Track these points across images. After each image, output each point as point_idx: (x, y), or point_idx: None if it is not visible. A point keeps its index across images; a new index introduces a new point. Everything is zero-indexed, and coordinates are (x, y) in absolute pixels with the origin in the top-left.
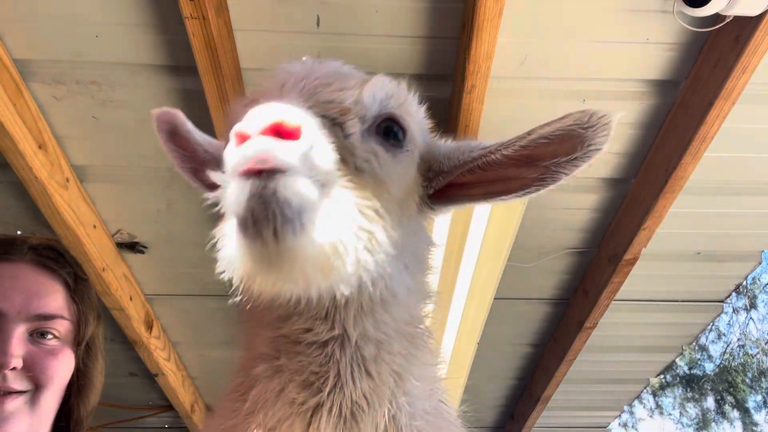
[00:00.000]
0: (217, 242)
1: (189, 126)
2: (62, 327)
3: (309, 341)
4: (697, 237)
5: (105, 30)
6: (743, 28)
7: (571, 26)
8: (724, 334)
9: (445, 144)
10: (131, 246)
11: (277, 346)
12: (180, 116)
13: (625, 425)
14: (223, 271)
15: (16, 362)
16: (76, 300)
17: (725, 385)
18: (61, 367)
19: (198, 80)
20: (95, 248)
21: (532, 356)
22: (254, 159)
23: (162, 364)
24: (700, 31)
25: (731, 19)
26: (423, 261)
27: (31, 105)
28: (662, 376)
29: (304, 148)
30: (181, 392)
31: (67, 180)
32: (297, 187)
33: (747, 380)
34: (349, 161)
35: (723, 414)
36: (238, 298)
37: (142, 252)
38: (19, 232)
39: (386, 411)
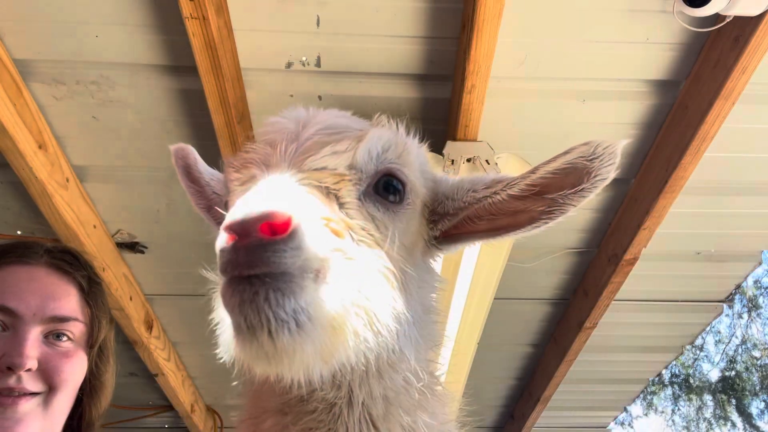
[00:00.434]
0: (215, 324)
1: (200, 166)
2: (76, 329)
3: (316, 401)
4: (697, 237)
5: (105, 30)
6: (743, 28)
7: (571, 26)
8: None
9: (448, 182)
10: (131, 246)
11: (285, 403)
12: (192, 154)
13: (622, 424)
14: (224, 354)
15: (31, 363)
16: (89, 303)
17: (728, 389)
18: (75, 369)
19: (198, 80)
20: (95, 248)
21: (532, 356)
22: (243, 264)
23: (162, 364)
24: (700, 31)
25: (731, 19)
26: (430, 307)
27: (31, 105)
28: (664, 377)
29: (295, 243)
30: (181, 392)
31: (67, 180)
32: (289, 289)
33: (749, 385)
34: (346, 233)
35: (725, 417)
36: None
37: (142, 252)
38: (19, 232)
39: None
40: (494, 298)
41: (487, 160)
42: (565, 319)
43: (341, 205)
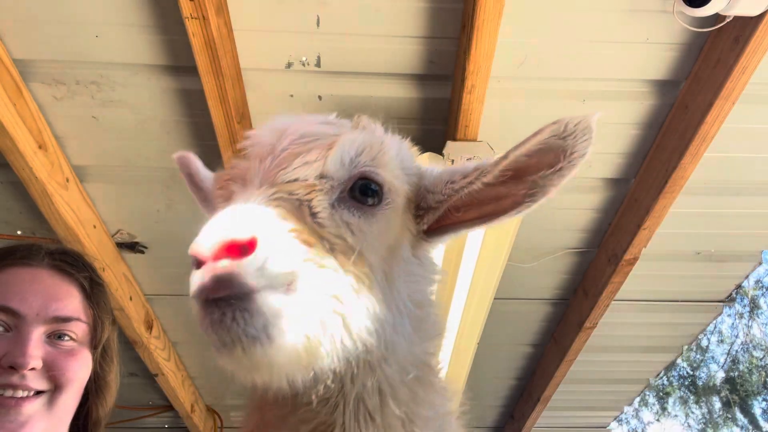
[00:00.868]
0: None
1: (203, 172)
2: (79, 329)
3: (312, 395)
4: (697, 237)
5: (105, 30)
6: (743, 28)
7: (571, 26)
8: (727, 338)
9: (432, 174)
10: (131, 246)
11: (283, 396)
12: (193, 162)
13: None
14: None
15: (35, 363)
16: (92, 304)
17: (731, 389)
18: (80, 368)
19: (198, 80)
20: (95, 248)
21: (532, 356)
22: (209, 288)
23: (162, 364)
24: (700, 31)
25: (731, 19)
26: (422, 301)
27: (31, 105)
28: (666, 379)
29: (260, 261)
30: (181, 392)
31: (67, 180)
32: (256, 307)
33: (752, 385)
34: (319, 242)
35: (730, 418)
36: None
37: (142, 252)
38: (19, 232)
39: None
40: (494, 298)
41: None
42: (565, 319)
43: (313, 215)
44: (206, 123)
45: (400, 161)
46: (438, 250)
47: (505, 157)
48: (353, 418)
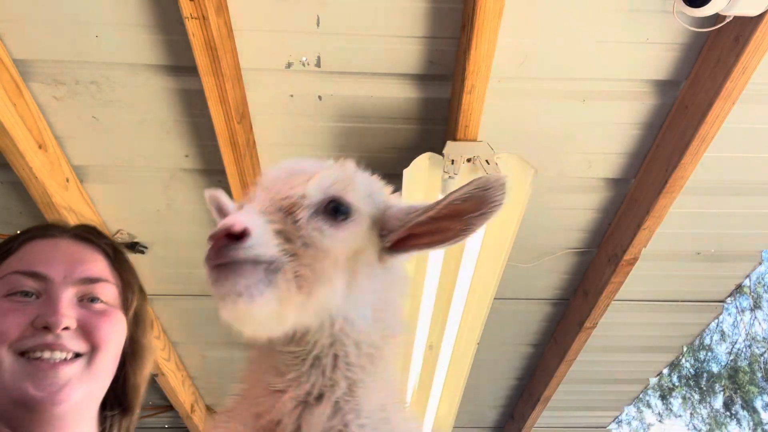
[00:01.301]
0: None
1: (229, 204)
2: (109, 290)
3: (282, 346)
4: (697, 237)
5: (105, 30)
6: (743, 28)
7: (571, 26)
8: (728, 335)
9: (396, 206)
10: (131, 246)
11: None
12: (222, 198)
13: None
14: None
15: (69, 322)
16: (117, 268)
17: (733, 386)
18: (115, 328)
19: (198, 80)
20: None
21: (532, 356)
22: (214, 258)
23: (162, 364)
24: (700, 31)
25: (731, 19)
26: (385, 300)
27: (31, 105)
28: (668, 378)
29: (248, 243)
30: (181, 392)
31: (67, 180)
32: (244, 272)
33: (755, 380)
34: (296, 240)
35: (732, 415)
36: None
37: (142, 252)
38: (19, 232)
39: (336, 405)
40: (494, 298)
41: (487, 160)
42: (565, 319)
43: (295, 222)
44: (206, 123)
45: (367, 191)
46: (437, 252)
47: (446, 197)
48: (308, 367)
